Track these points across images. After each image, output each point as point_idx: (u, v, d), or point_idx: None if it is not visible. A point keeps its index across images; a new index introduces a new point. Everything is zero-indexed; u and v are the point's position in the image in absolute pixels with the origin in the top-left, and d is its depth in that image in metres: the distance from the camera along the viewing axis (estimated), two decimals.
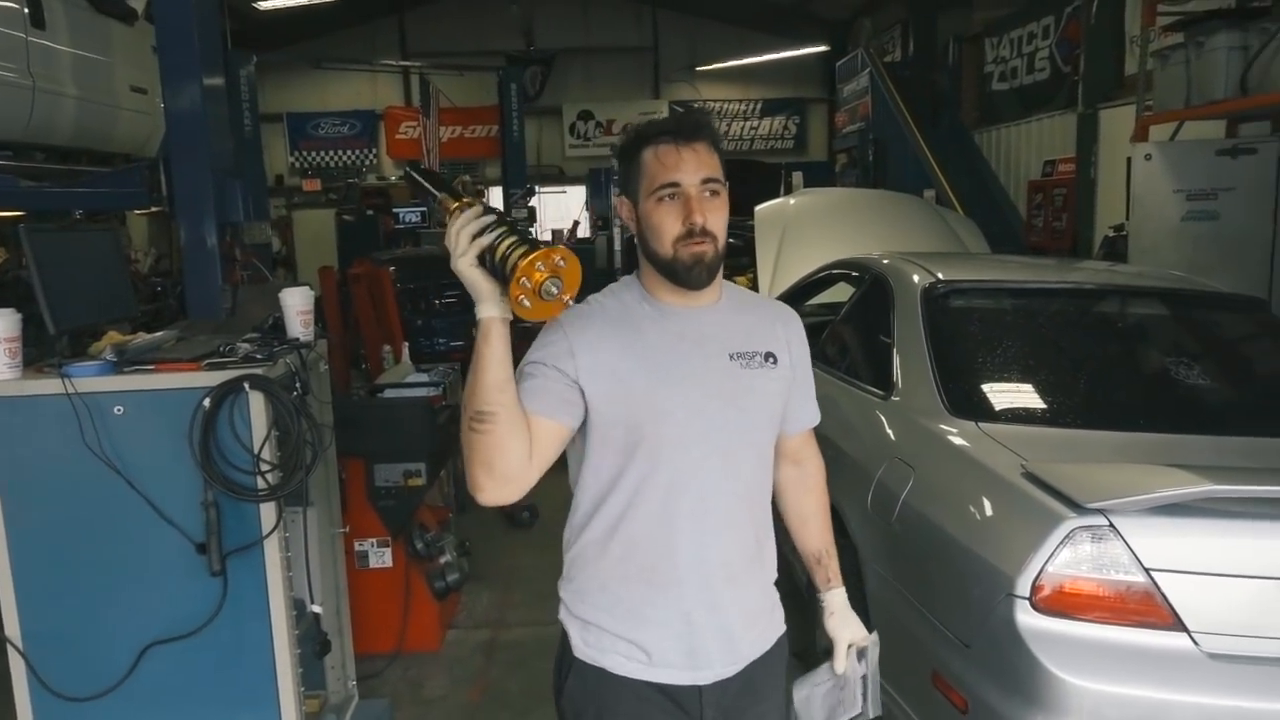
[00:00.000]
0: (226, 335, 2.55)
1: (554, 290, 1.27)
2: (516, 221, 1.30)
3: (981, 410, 2.44)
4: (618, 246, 10.62)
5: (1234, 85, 4.88)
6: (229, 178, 4.54)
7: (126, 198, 5.01)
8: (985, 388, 2.59)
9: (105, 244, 2.50)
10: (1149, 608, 1.81)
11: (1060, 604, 1.83)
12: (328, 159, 17.42)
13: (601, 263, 12.88)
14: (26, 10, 4.67)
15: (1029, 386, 2.67)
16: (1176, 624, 1.79)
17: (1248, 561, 1.83)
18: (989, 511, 2.05)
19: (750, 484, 1.52)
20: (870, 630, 1.66)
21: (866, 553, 2.51)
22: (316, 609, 2.49)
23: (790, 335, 1.59)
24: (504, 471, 1.35)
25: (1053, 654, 1.80)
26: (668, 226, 1.42)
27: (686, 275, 1.43)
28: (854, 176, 11.55)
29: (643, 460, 1.44)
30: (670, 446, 1.44)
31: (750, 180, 10.44)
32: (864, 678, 1.60)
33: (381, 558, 3.55)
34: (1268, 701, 1.75)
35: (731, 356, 1.49)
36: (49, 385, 2.12)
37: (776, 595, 1.62)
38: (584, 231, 15.36)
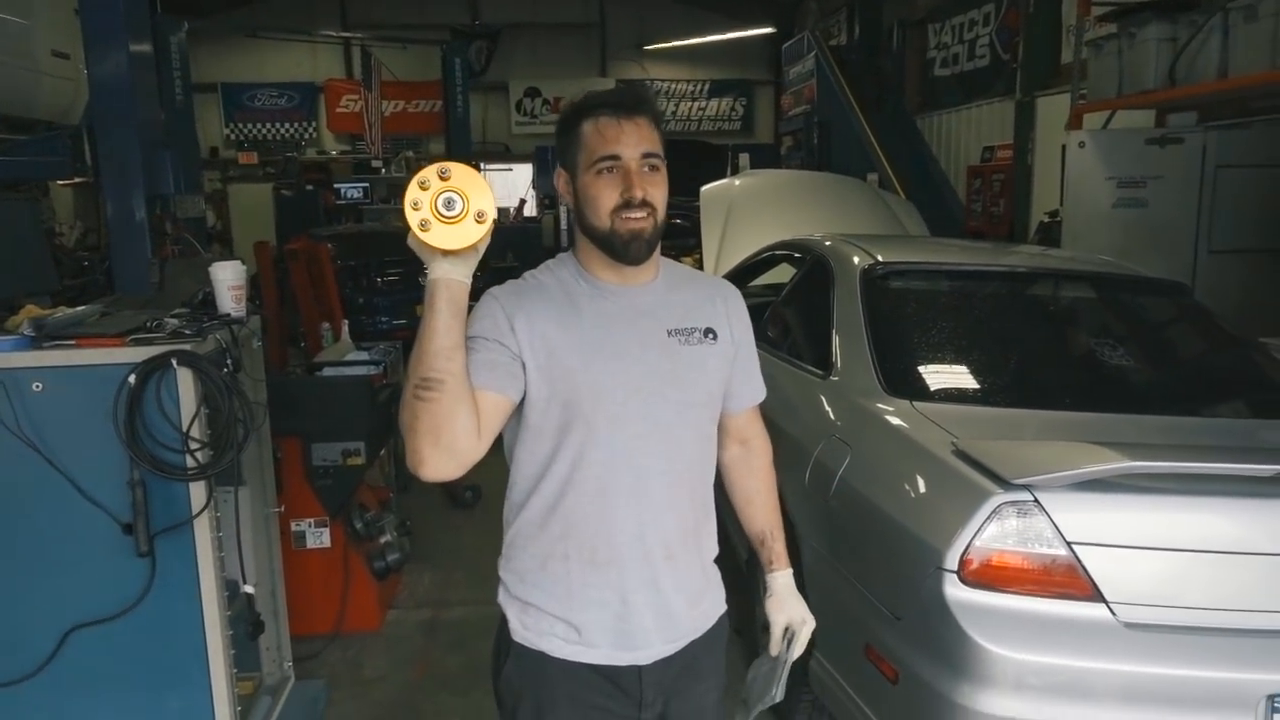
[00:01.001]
0: (154, 310, 2.47)
1: (455, 205, 1.22)
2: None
3: (917, 390, 2.50)
4: (564, 225, 10.57)
5: (1163, 76, 5.02)
6: (158, 148, 4.39)
7: (49, 167, 4.81)
8: (921, 368, 2.65)
9: (22, 214, 2.41)
10: (1070, 580, 1.87)
11: (986, 577, 1.89)
12: (265, 131, 16.92)
13: (549, 241, 12.82)
14: None
15: (963, 367, 2.73)
16: (1095, 595, 1.86)
17: (1163, 535, 1.91)
18: (920, 488, 2.10)
19: (690, 462, 1.51)
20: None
21: (804, 529, 2.55)
22: (249, 589, 2.44)
23: (731, 310, 1.57)
24: (450, 444, 1.30)
25: (979, 625, 1.85)
26: (605, 198, 1.40)
27: (624, 249, 1.41)
28: (799, 159, 11.62)
29: (580, 438, 1.42)
30: (608, 424, 1.42)
31: (697, 161, 10.44)
32: (774, 691, 1.60)
33: (320, 538, 3.49)
34: (1181, 668, 1.83)
35: (670, 333, 1.48)
36: None
37: (718, 573, 1.61)
38: (530, 210, 15.26)
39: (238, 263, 2.55)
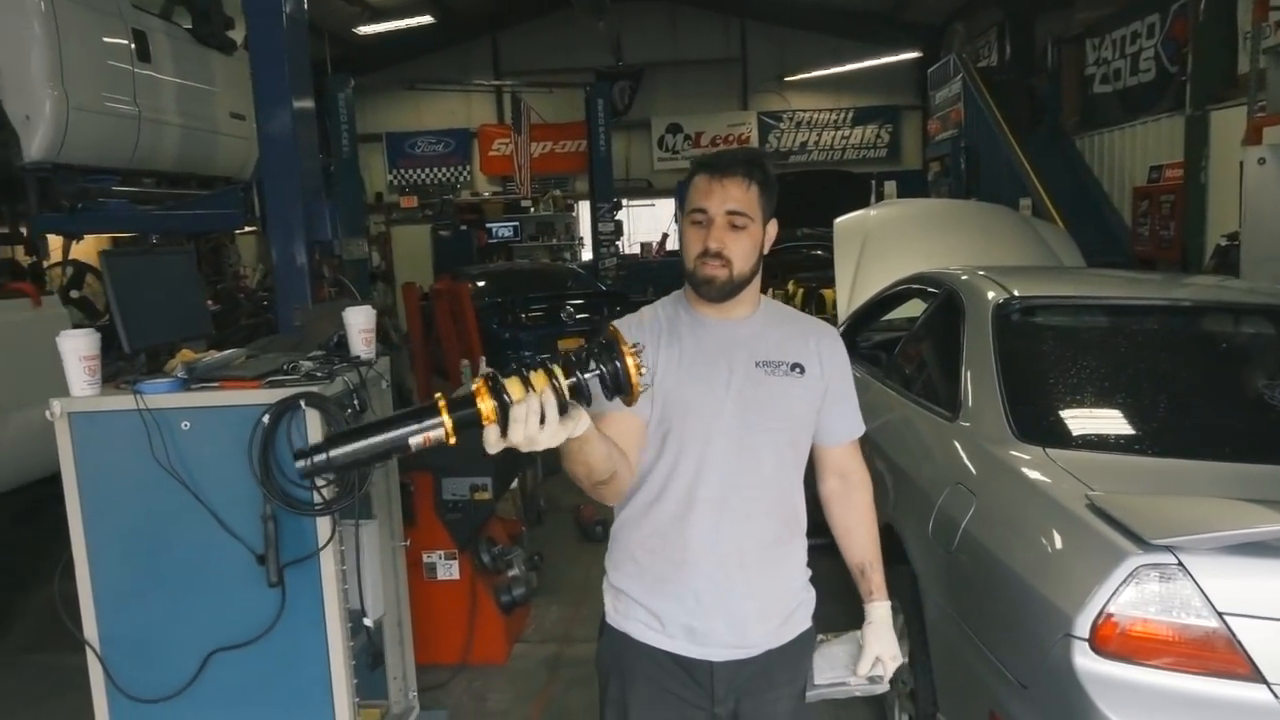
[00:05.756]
0: (294, 353, 2.64)
1: (648, 362, 1.28)
2: (514, 369, 1.21)
3: (1050, 435, 2.32)
4: None
5: None
6: (317, 198, 4.73)
7: (224, 219, 5.29)
8: (1056, 411, 2.46)
9: (181, 266, 2.63)
10: (1222, 655, 1.67)
11: (1122, 647, 1.71)
12: (424, 176, 17.97)
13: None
14: (133, 46, 4.98)
15: (1105, 410, 2.52)
16: (1254, 674, 1.65)
17: None
18: (1049, 544, 1.94)
19: (769, 482, 1.63)
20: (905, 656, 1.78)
21: (927, 581, 2.41)
22: (368, 623, 2.54)
23: (823, 349, 1.70)
24: (626, 488, 1.57)
25: (1113, 701, 1.68)
26: (693, 246, 1.60)
27: (699, 289, 1.62)
28: (947, 185, 11.21)
29: (674, 452, 1.60)
30: (695, 440, 1.59)
31: (837, 191, 10.26)
32: (849, 683, 1.70)
33: (449, 570, 3.60)
34: None
35: (757, 364, 1.63)
36: (123, 401, 2.24)
37: (804, 593, 1.72)
38: (674, 244, 15.43)
39: (369, 308, 2.70)
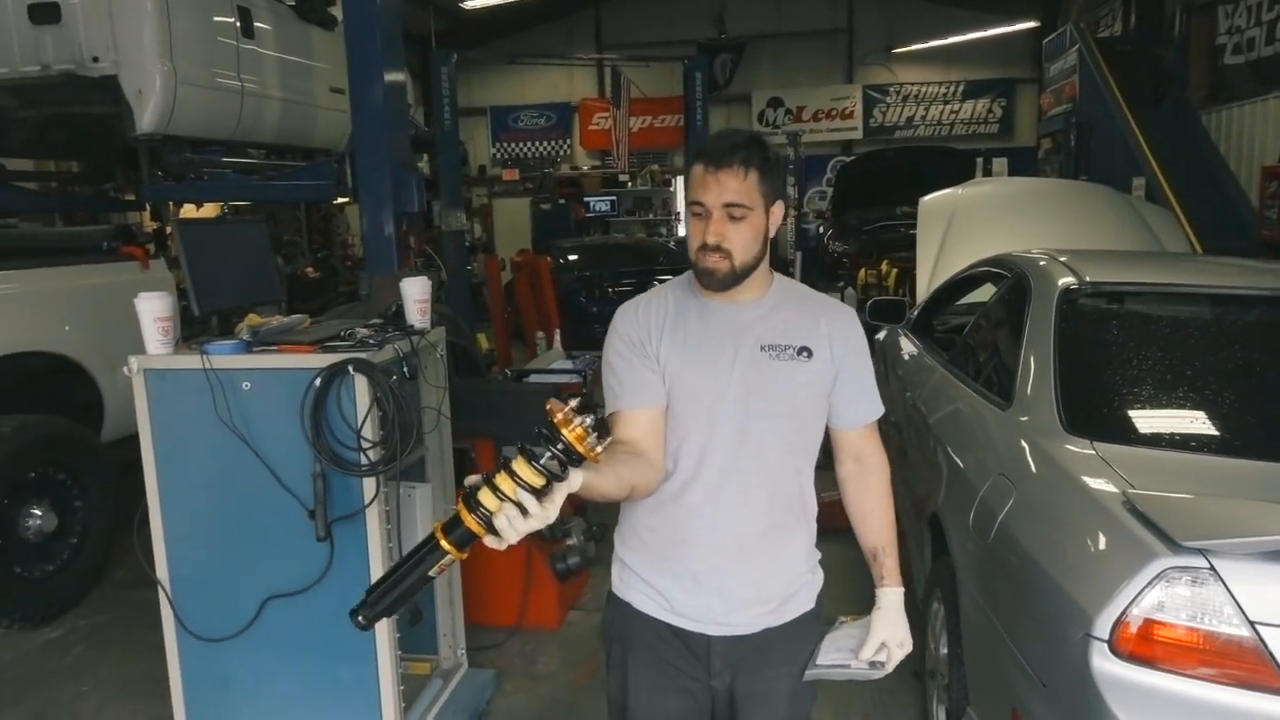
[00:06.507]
0: (354, 320, 2.77)
1: (589, 419, 1.27)
2: (473, 482, 1.29)
3: (1101, 429, 2.22)
4: (790, 237, 10.46)
5: None
6: (406, 170, 4.89)
7: (318, 190, 5.52)
8: (1112, 404, 2.35)
9: (253, 235, 2.78)
10: (1253, 666, 1.58)
11: (1144, 651, 1.64)
12: (526, 150, 18.24)
13: (781, 251, 12.73)
14: (238, 23, 5.23)
15: (1166, 405, 2.38)
16: None
17: None
18: (1078, 540, 1.86)
19: (771, 467, 1.63)
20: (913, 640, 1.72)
21: (964, 573, 2.36)
22: None
23: (834, 332, 1.66)
24: (656, 482, 1.59)
25: (1130, 707, 1.61)
26: (693, 237, 1.60)
27: (701, 280, 1.62)
28: (1057, 163, 10.66)
29: (675, 434, 1.61)
30: (696, 423, 1.60)
31: (938, 169, 9.90)
32: (850, 666, 1.68)
33: None
34: None
35: (762, 348, 1.62)
36: (191, 361, 2.39)
37: (807, 576, 1.72)
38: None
39: (424, 279, 2.80)
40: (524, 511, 1.23)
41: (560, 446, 1.25)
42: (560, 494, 1.27)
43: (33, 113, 5.09)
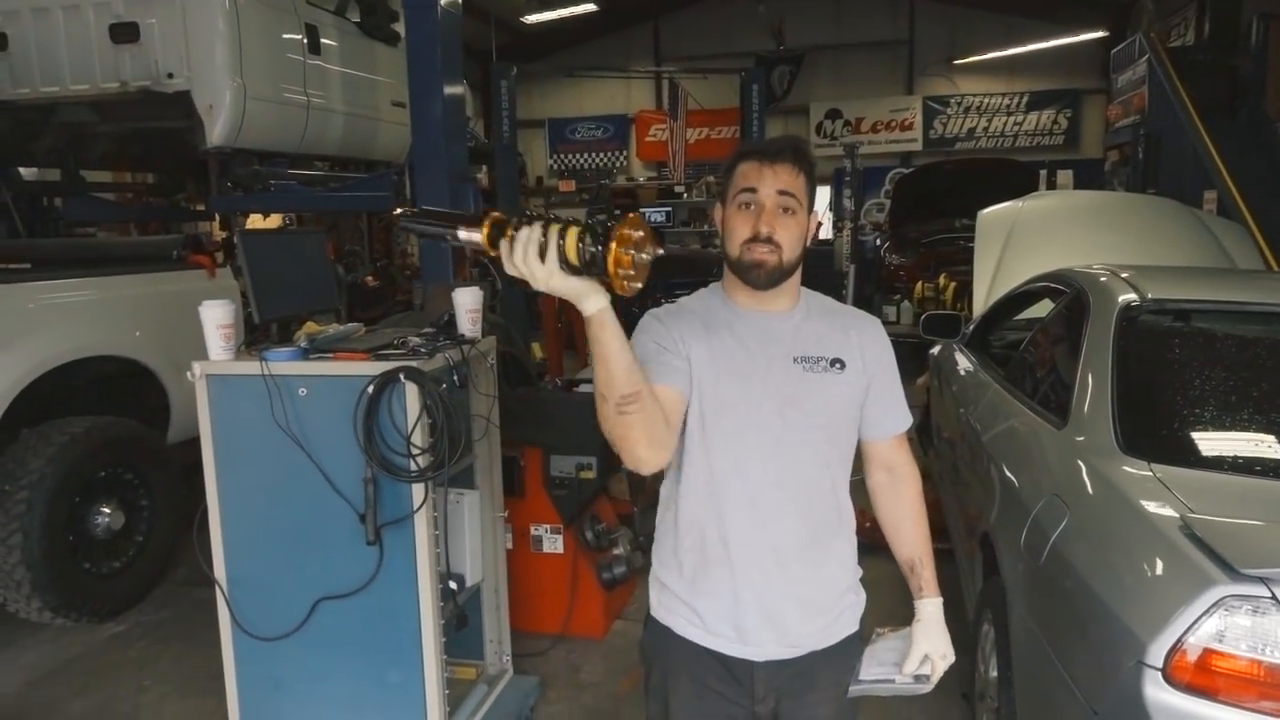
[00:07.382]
0: (408, 329, 2.83)
1: (645, 257, 1.32)
2: (543, 214, 1.34)
3: (1159, 450, 2.15)
4: (846, 248, 10.34)
5: None
6: (463, 182, 4.99)
7: (376, 200, 5.66)
8: (1170, 424, 2.28)
9: (312, 245, 2.86)
10: None
11: (1201, 682, 1.58)
12: (583, 161, 18.43)
13: (837, 263, 12.60)
14: (305, 39, 5.39)
15: (1230, 428, 2.30)
16: None
17: None
18: (1133, 565, 1.81)
19: (807, 480, 1.61)
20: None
21: (1014, 595, 2.31)
22: (452, 585, 2.68)
23: (865, 343, 1.66)
24: (659, 438, 1.46)
25: None
26: (739, 230, 1.56)
27: (746, 275, 1.57)
28: (1124, 176, 10.37)
29: (704, 446, 1.58)
30: (729, 436, 1.57)
31: (1000, 181, 9.71)
32: (895, 680, 1.65)
33: (554, 543, 3.74)
34: None
35: (795, 360, 1.60)
36: (250, 366, 2.47)
37: (851, 595, 1.70)
38: (826, 232, 15.09)
39: (476, 289, 2.84)
40: (542, 254, 1.26)
41: (603, 250, 1.26)
42: (584, 286, 1.30)
43: (111, 127, 5.33)
